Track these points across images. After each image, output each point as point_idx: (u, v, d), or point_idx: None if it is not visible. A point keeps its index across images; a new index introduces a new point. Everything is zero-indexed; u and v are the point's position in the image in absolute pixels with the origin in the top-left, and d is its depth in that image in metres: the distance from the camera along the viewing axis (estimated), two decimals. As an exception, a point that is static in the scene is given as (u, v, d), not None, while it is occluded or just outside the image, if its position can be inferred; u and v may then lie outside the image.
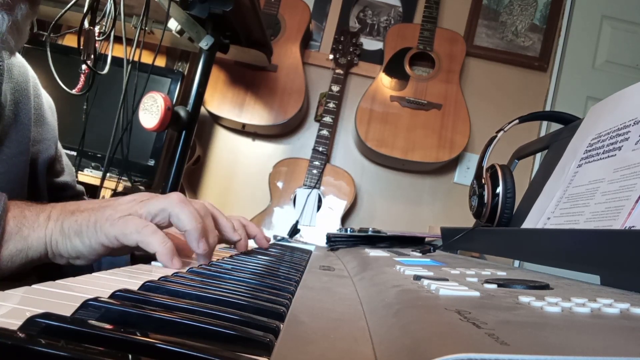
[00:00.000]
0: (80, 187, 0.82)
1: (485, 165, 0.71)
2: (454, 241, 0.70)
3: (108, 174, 1.34)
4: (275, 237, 1.23)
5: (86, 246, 0.46)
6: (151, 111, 1.11)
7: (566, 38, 2.28)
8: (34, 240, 0.46)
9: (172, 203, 0.48)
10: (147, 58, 1.34)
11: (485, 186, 0.67)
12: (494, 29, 2.31)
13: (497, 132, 0.73)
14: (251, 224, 0.67)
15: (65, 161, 0.79)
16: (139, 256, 0.59)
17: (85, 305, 0.24)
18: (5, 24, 0.52)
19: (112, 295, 0.27)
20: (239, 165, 2.29)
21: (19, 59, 0.69)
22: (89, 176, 1.71)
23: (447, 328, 0.20)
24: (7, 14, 0.52)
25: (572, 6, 2.29)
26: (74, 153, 1.53)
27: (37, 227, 0.46)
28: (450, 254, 0.67)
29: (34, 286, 0.29)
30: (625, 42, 2.27)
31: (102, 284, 0.33)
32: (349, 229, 0.95)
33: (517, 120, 0.72)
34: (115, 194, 1.71)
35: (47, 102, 0.75)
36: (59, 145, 0.77)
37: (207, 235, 0.49)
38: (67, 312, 0.23)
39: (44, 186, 0.71)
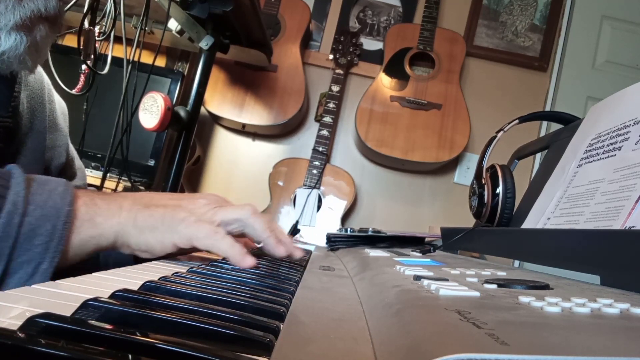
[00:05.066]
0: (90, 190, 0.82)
1: (485, 165, 0.71)
2: (454, 241, 0.70)
3: (108, 174, 1.33)
4: None
5: (158, 242, 0.48)
6: (151, 111, 1.11)
7: (566, 38, 2.28)
8: (107, 228, 0.46)
9: (247, 214, 0.50)
10: (147, 58, 1.34)
11: (485, 186, 0.67)
12: (494, 29, 2.31)
13: (497, 132, 0.73)
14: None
15: (78, 164, 0.79)
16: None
17: (85, 305, 0.24)
18: (23, 45, 0.53)
19: (112, 295, 0.27)
20: (239, 165, 2.29)
21: None
22: (89, 176, 1.70)
23: (447, 328, 0.20)
24: (25, 35, 0.53)
25: (572, 6, 2.29)
26: (74, 153, 1.53)
27: (110, 216, 0.47)
28: (450, 254, 0.66)
29: (34, 286, 0.29)
30: (625, 42, 2.27)
31: (102, 284, 0.33)
32: (349, 229, 0.95)
33: (517, 120, 0.72)
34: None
35: (60, 107, 0.75)
36: (71, 148, 0.76)
37: (281, 239, 0.53)
38: (67, 312, 0.24)
39: None
